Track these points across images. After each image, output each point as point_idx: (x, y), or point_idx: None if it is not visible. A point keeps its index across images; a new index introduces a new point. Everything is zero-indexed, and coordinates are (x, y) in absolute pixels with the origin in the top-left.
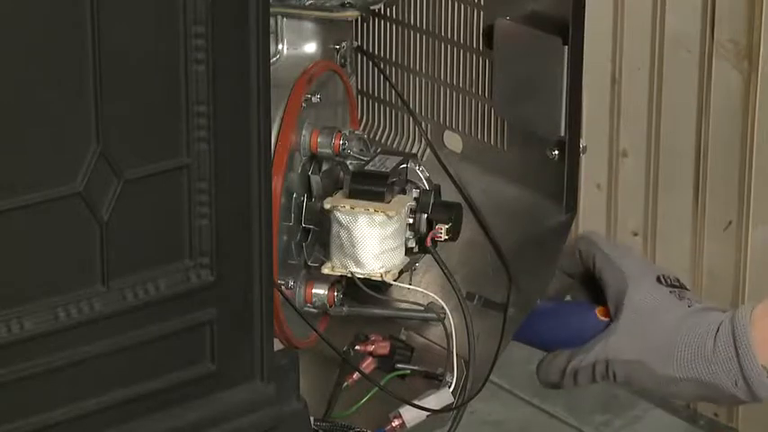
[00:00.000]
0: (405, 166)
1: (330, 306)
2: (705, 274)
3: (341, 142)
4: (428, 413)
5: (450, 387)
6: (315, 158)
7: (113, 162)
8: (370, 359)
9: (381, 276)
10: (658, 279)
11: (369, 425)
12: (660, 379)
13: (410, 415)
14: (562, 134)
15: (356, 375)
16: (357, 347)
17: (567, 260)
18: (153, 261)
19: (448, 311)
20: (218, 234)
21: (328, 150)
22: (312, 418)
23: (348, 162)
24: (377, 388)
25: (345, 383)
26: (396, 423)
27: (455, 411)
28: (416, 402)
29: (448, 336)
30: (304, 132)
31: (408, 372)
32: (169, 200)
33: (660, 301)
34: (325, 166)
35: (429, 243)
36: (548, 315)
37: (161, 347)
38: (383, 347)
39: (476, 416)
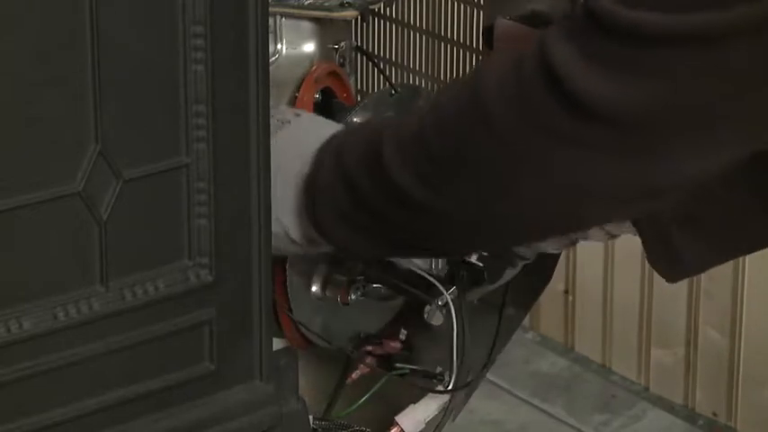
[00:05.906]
0: None
1: (344, 304)
2: (704, 274)
3: None
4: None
5: (448, 386)
6: None
7: (112, 162)
8: (369, 358)
9: None
10: None
11: (368, 425)
12: None
13: (410, 423)
14: None
15: (355, 375)
16: (369, 348)
17: None
18: (152, 261)
19: (449, 299)
20: (218, 234)
21: None
22: (311, 417)
23: None
24: (376, 387)
25: (345, 383)
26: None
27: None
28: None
29: (448, 335)
30: None
31: (408, 371)
32: (168, 200)
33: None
34: None
35: None
36: None
37: (160, 347)
38: (393, 348)
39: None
